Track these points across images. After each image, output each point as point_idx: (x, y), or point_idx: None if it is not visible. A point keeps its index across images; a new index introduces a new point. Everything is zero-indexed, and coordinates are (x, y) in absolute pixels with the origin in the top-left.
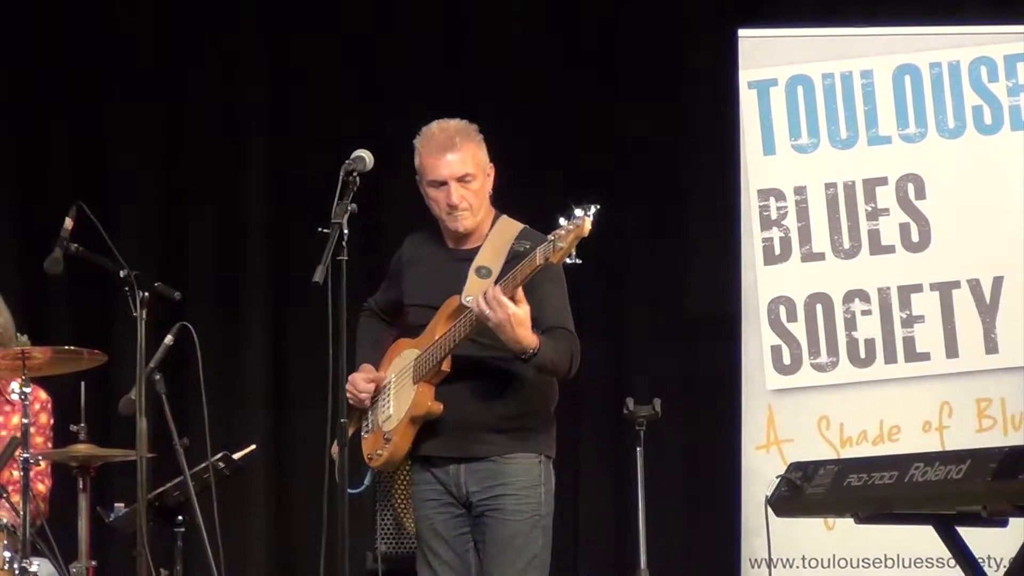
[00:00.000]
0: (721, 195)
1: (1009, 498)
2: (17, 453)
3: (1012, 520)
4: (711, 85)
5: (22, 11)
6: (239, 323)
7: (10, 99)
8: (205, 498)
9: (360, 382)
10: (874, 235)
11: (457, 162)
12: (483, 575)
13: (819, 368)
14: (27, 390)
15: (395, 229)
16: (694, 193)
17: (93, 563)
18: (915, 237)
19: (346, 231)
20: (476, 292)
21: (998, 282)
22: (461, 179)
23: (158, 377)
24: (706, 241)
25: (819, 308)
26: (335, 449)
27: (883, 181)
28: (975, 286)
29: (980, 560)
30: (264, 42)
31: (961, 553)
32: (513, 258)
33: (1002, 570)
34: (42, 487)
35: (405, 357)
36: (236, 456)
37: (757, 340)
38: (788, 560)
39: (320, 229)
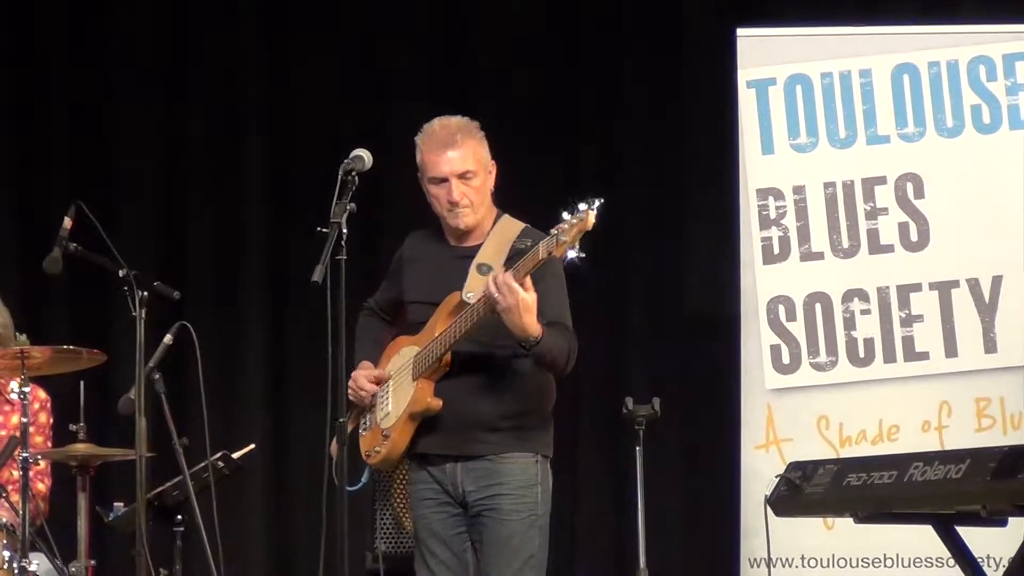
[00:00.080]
0: (720, 194)
1: (1008, 497)
2: (16, 452)
3: (1011, 519)
4: (710, 84)
5: (22, 11)
6: (238, 322)
7: (10, 99)
8: (204, 497)
9: (363, 380)
10: (873, 234)
11: (458, 159)
12: (480, 575)
13: (818, 367)
14: (26, 389)
15: (394, 228)
16: (693, 193)
17: (92, 562)
18: (914, 236)
19: (345, 230)
20: (477, 289)
21: (997, 281)
22: (462, 176)
23: (157, 376)
24: (705, 240)
25: (818, 307)
26: (334, 447)
27: (882, 180)
28: (974, 285)
29: (979, 560)
30: (264, 42)
31: (960, 552)
32: (514, 256)
33: (1001, 570)
34: (42, 486)
35: (404, 355)
36: (235, 455)
37: (756, 339)
38: (787, 560)
39: (319, 229)
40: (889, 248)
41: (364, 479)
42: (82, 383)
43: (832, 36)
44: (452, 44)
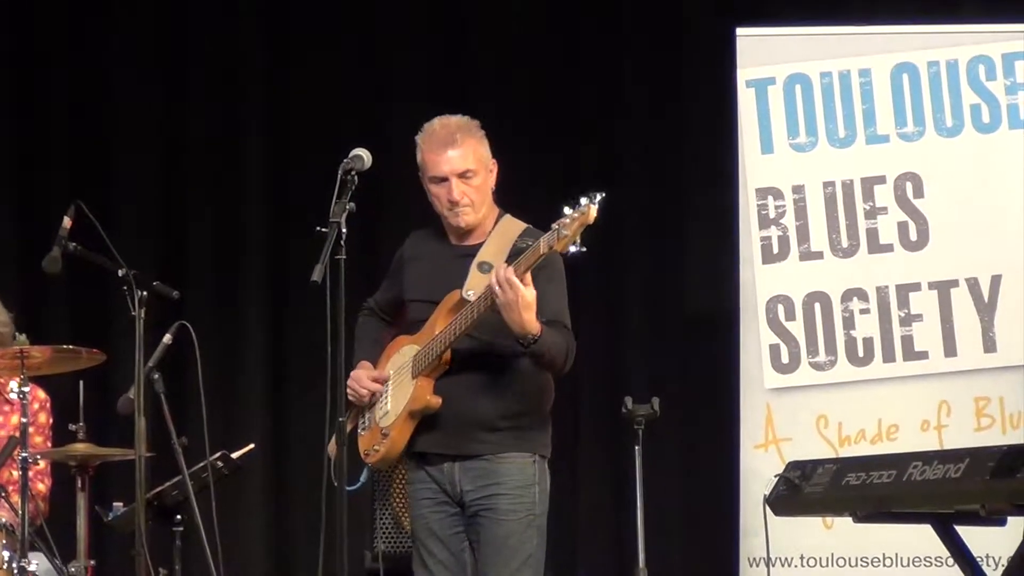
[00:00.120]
0: (719, 194)
1: (1007, 497)
2: (16, 452)
3: (1010, 519)
4: (710, 84)
5: (22, 11)
6: (238, 322)
7: (10, 99)
8: (204, 497)
9: (364, 380)
10: (872, 234)
11: (458, 158)
12: (478, 575)
13: (817, 367)
14: (26, 389)
15: (394, 228)
16: (693, 192)
17: (92, 562)
18: (913, 236)
19: (344, 230)
20: (477, 287)
21: (996, 281)
22: (462, 175)
23: (157, 376)
24: (704, 240)
25: (817, 307)
26: (333, 447)
27: (881, 180)
28: (973, 285)
29: (978, 559)
30: (264, 42)
31: (959, 552)
32: (515, 254)
33: (1000, 569)
34: (41, 486)
35: (404, 354)
36: (235, 455)
37: (755, 339)
38: (787, 559)
39: (319, 228)
40: (888, 248)
41: (363, 479)
42: (81, 383)
43: (831, 36)
44: (452, 44)
